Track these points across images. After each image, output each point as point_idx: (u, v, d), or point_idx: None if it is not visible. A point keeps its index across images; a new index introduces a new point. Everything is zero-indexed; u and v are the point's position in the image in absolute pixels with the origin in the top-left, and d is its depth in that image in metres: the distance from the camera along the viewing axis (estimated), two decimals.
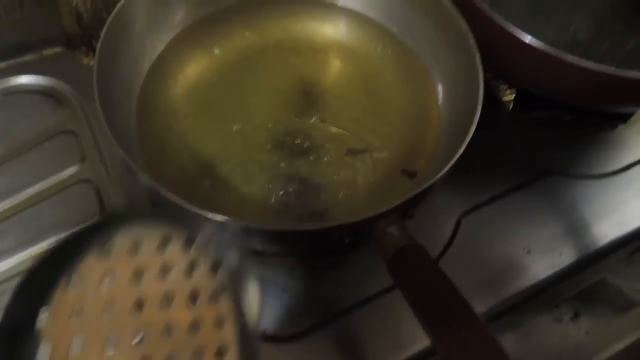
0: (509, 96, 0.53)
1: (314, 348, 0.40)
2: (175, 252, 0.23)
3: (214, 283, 0.24)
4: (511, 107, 0.52)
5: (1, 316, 0.19)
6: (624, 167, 0.51)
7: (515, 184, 0.49)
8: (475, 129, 0.37)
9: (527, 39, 0.41)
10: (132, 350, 0.21)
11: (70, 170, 0.46)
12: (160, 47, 0.47)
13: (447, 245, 0.45)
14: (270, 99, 0.46)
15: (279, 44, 0.50)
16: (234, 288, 0.24)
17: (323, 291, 0.42)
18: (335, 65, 0.50)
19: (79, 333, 0.19)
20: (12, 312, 0.19)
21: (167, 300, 0.22)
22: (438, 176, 0.34)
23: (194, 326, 0.23)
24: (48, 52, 0.52)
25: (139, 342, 0.21)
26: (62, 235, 0.42)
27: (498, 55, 0.45)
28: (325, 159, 0.43)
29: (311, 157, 0.43)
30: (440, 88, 0.47)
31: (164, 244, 0.22)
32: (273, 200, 0.41)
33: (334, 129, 0.45)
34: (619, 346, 0.43)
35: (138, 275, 0.21)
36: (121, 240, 0.21)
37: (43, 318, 0.18)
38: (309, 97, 0.47)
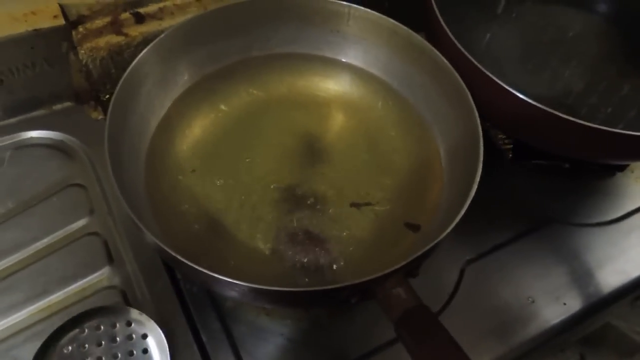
0: (507, 145, 0.54)
1: None
2: None
3: None
4: (510, 155, 0.53)
5: None
6: (623, 215, 0.51)
7: (517, 232, 0.49)
8: None
9: (520, 95, 0.42)
10: None
11: (79, 223, 0.46)
12: (167, 104, 0.48)
13: (452, 295, 0.45)
14: (275, 153, 0.47)
15: (283, 99, 0.51)
16: None
17: (329, 342, 0.42)
18: (338, 120, 0.51)
19: None
20: None
21: None
22: (443, 235, 0.35)
23: None
24: (57, 106, 0.53)
25: None
26: (69, 289, 0.43)
27: (493, 110, 0.46)
28: (330, 211, 0.44)
29: (315, 210, 0.44)
30: (441, 142, 0.48)
31: None
32: (279, 254, 0.42)
33: (337, 183, 0.46)
34: None
35: None
36: None
37: None
38: (312, 150, 0.48)
